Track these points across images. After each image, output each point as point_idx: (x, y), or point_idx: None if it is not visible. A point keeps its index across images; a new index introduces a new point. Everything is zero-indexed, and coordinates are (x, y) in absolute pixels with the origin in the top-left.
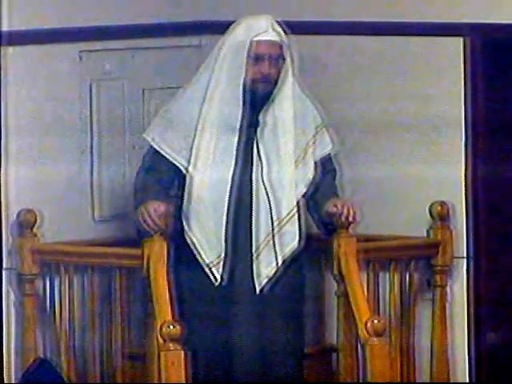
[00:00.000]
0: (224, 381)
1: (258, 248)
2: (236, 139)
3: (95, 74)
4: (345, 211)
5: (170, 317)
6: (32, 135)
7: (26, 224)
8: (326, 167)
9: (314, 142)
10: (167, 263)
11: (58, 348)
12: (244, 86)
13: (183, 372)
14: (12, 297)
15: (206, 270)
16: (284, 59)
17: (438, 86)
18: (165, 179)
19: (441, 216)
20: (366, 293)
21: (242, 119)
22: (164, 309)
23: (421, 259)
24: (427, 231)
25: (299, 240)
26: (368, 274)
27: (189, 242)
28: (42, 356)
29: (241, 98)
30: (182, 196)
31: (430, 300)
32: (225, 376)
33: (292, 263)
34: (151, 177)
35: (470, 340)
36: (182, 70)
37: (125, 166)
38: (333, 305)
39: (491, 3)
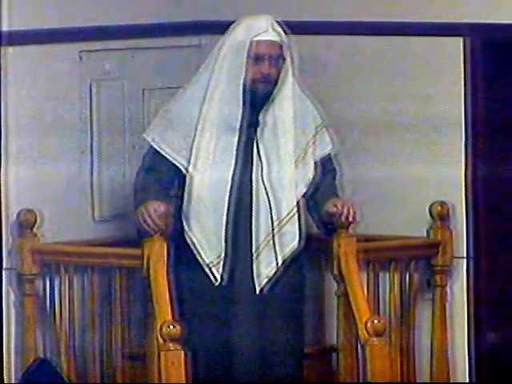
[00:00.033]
0: (224, 381)
1: (257, 248)
2: (236, 139)
3: (95, 74)
4: (345, 211)
5: (169, 317)
6: (32, 135)
7: (26, 224)
8: (326, 167)
9: (314, 142)
10: (167, 263)
11: (57, 348)
12: (244, 85)
13: (183, 372)
14: (12, 297)
15: (206, 270)
16: (284, 59)
17: (438, 86)
18: (165, 179)
19: (441, 216)
20: (365, 293)
21: (242, 119)
22: (164, 309)
23: (421, 259)
24: (427, 231)
25: (299, 240)
26: (368, 274)
27: (189, 242)
28: (42, 356)
29: (241, 98)
30: (182, 196)
31: (430, 300)
32: (225, 376)
33: (292, 263)
34: (151, 177)
35: (470, 340)
36: (182, 70)
37: (125, 165)
38: (333, 305)
39: (491, 3)
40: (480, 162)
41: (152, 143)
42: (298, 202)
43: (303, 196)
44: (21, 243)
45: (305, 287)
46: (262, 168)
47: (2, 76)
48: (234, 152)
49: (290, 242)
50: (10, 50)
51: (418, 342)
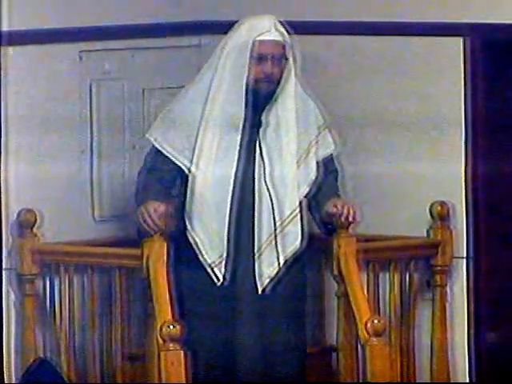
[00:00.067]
0: (227, 380)
1: (260, 248)
2: (239, 139)
3: (95, 74)
4: (345, 211)
5: (169, 317)
6: (32, 135)
7: (26, 224)
8: (328, 168)
9: (316, 142)
10: (167, 263)
11: (57, 348)
12: (247, 85)
13: (183, 372)
14: (12, 297)
15: (208, 269)
16: (286, 59)
17: (439, 86)
18: (167, 179)
19: (441, 216)
20: (366, 293)
21: (245, 119)
22: (164, 309)
23: (421, 259)
24: (427, 231)
25: (301, 240)
26: (368, 274)
27: (191, 241)
28: (42, 356)
29: (243, 98)
30: (185, 196)
31: (430, 300)
32: (228, 376)
33: (294, 263)
34: (153, 177)
35: (470, 340)
36: (182, 70)
37: (125, 165)
38: (333, 305)
39: (491, 3)
40: (480, 161)
41: (154, 143)
42: (300, 203)
43: (305, 196)
44: (21, 243)
45: (306, 287)
46: (264, 168)
47: (2, 76)
48: (237, 152)
49: (293, 242)
50: (10, 50)
51: (418, 342)
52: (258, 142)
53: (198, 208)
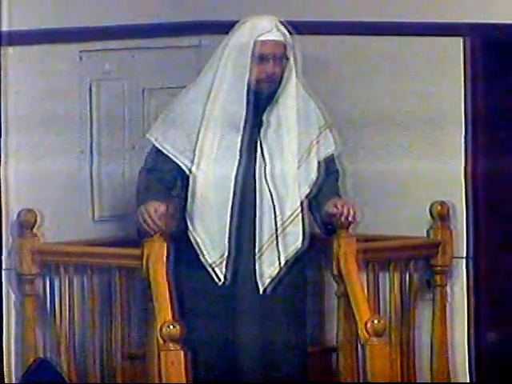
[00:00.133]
0: (228, 380)
1: (261, 248)
2: (239, 139)
3: (95, 74)
4: (345, 211)
5: (169, 317)
6: (32, 135)
7: (26, 224)
8: (329, 168)
9: (317, 142)
10: (167, 263)
11: (58, 348)
12: (248, 85)
13: (183, 372)
14: (12, 297)
15: (209, 269)
16: (287, 59)
17: (439, 86)
18: (167, 179)
19: (441, 216)
20: (366, 293)
21: (246, 119)
22: (164, 309)
23: (421, 259)
24: (427, 231)
25: (302, 240)
26: (368, 275)
27: (192, 241)
28: (41, 356)
29: (245, 98)
30: (186, 196)
31: (430, 300)
32: (229, 376)
33: (295, 263)
34: (153, 177)
35: (470, 340)
36: (182, 70)
37: (125, 165)
38: (333, 305)
39: (491, 3)
40: (480, 161)
41: (155, 143)
42: (301, 203)
43: (306, 196)
44: (21, 243)
45: (307, 286)
46: (265, 168)
47: (2, 76)
48: (238, 152)
49: (294, 242)
50: (10, 50)
51: (418, 342)
52: (259, 141)
53: (199, 208)
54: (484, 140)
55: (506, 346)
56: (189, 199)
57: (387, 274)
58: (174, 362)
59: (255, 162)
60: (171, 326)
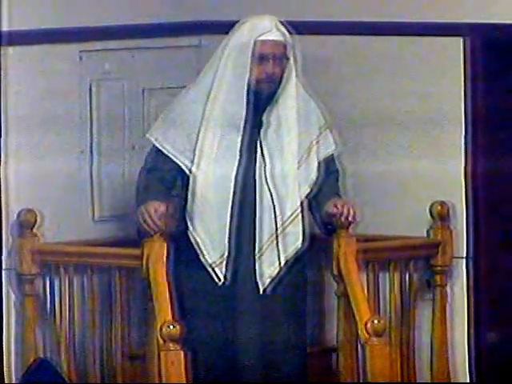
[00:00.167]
0: (228, 380)
1: (261, 248)
2: (239, 139)
3: (95, 74)
4: (345, 211)
5: (169, 317)
6: (32, 135)
7: (26, 224)
8: (329, 168)
9: (317, 142)
10: (167, 263)
11: (58, 348)
12: (248, 85)
13: (183, 372)
14: (12, 297)
15: (209, 269)
16: (287, 59)
17: (439, 86)
18: (167, 179)
19: (441, 216)
20: (366, 293)
21: (246, 119)
22: (164, 309)
23: (421, 259)
24: (427, 231)
25: (303, 240)
26: (368, 274)
27: (193, 241)
28: (41, 356)
29: (245, 98)
30: (186, 196)
31: (430, 300)
32: (229, 375)
33: (295, 263)
34: (153, 176)
35: (470, 340)
36: (182, 70)
37: (125, 165)
38: (333, 305)
39: (491, 3)
40: (480, 161)
41: (155, 143)
42: (301, 203)
43: (306, 196)
44: (21, 243)
45: (307, 286)
46: (265, 168)
47: (2, 76)
48: (238, 152)
49: (294, 242)
50: (10, 50)
51: (418, 342)
52: (258, 141)
53: (199, 208)
54: (484, 140)
55: (506, 345)
56: (189, 199)
57: (387, 274)
58: (174, 362)
59: (255, 162)
60: (171, 326)
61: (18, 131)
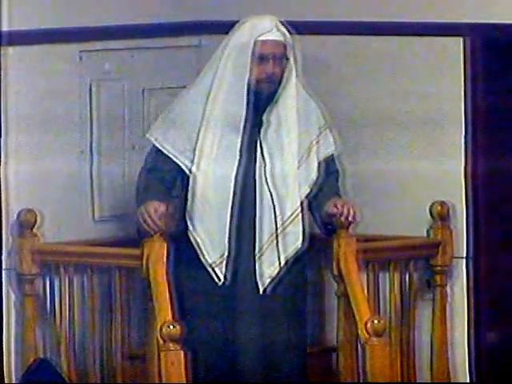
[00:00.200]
0: (228, 380)
1: (261, 248)
2: (239, 139)
3: (95, 74)
4: (345, 211)
5: (169, 317)
6: (32, 135)
7: (26, 224)
8: (329, 168)
9: (317, 142)
10: (167, 263)
11: (57, 348)
12: (248, 85)
13: (183, 372)
14: (12, 297)
15: (209, 269)
16: (288, 59)
17: (439, 86)
18: (167, 179)
19: (441, 216)
20: (366, 293)
21: (246, 119)
22: (164, 309)
23: (421, 259)
24: (427, 231)
25: (303, 240)
26: (368, 274)
27: (193, 241)
28: (41, 356)
29: (245, 98)
30: (186, 196)
31: (430, 300)
32: (229, 376)
33: (295, 263)
34: (153, 176)
35: (470, 340)
36: (182, 70)
37: (125, 165)
38: (333, 305)
39: (491, 3)
40: (480, 161)
41: (155, 143)
42: (301, 203)
43: (306, 196)
44: (21, 243)
45: (307, 286)
46: (265, 168)
47: (2, 76)
48: (238, 152)
49: (294, 242)
50: (10, 50)
51: (418, 342)
52: (258, 142)
53: (199, 208)
54: (484, 140)
55: (506, 345)
56: (189, 199)
57: (387, 274)
58: (174, 362)
59: (255, 162)
60: (171, 326)
61: (17, 131)
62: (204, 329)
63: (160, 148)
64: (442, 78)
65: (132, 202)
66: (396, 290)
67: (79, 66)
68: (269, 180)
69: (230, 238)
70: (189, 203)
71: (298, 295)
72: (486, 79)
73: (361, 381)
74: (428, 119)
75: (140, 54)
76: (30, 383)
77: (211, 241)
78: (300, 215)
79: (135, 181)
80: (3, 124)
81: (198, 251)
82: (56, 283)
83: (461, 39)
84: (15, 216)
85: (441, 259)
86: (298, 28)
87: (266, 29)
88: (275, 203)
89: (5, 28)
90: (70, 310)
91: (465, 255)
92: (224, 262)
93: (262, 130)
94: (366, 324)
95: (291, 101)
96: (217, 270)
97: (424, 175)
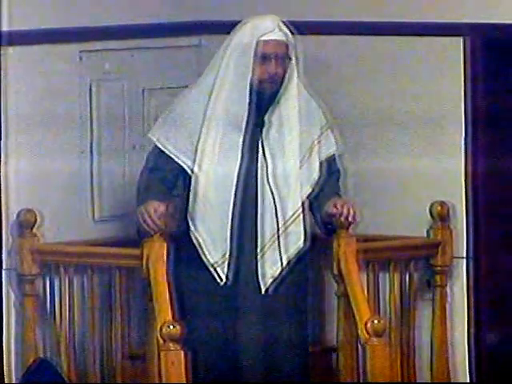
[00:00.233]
0: (230, 380)
1: (263, 248)
2: (241, 139)
3: (95, 74)
4: (344, 211)
5: (170, 317)
6: (32, 135)
7: (26, 224)
8: (331, 168)
9: (319, 142)
10: (167, 263)
11: (57, 348)
12: (250, 85)
13: (183, 372)
14: (12, 297)
15: (211, 269)
16: (290, 59)
17: (439, 86)
18: (169, 179)
19: (441, 216)
20: (366, 293)
21: (248, 119)
22: (164, 309)
23: (421, 259)
24: (427, 231)
25: (304, 240)
26: (368, 275)
27: (194, 241)
28: (41, 356)
29: (247, 98)
30: (187, 196)
31: (430, 300)
32: (231, 375)
33: (296, 263)
34: (155, 176)
35: (470, 340)
36: (182, 70)
37: (125, 165)
38: (333, 305)
39: (491, 3)
40: (480, 161)
41: (156, 143)
42: (303, 203)
43: (308, 196)
44: (21, 243)
45: (308, 286)
46: (267, 168)
47: (2, 76)
48: (240, 152)
49: (295, 242)
50: (10, 50)
51: (418, 342)
52: (260, 141)
53: (200, 208)
54: (484, 140)
55: (506, 345)
56: (190, 199)
57: (387, 274)
58: (174, 362)
59: (257, 161)
60: (171, 326)
61: (17, 131)
62: (205, 328)
63: (162, 148)
64: (442, 78)
65: (132, 202)
66: (396, 290)
67: (79, 66)
68: (270, 180)
69: (231, 238)
70: (190, 203)
71: (299, 295)
72: (485, 79)
73: (361, 381)
74: (428, 119)
75: (140, 53)
76: (30, 383)
77: (213, 241)
78: (301, 215)
79: (136, 181)
80: (3, 124)
81: (200, 251)
82: (56, 283)
83: (461, 39)
84: (15, 216)
85: (441, 259)
86: (299, 28)
87: (268, 29)
88: (277, 203)
89: (5, 28)
90: (69, 310)
91: (465, 255)
92: (226, 262)
93: (264, 130)
94: (366, 324)
95: (293, 101)
96: (219, 270)
97: (424, 175)
